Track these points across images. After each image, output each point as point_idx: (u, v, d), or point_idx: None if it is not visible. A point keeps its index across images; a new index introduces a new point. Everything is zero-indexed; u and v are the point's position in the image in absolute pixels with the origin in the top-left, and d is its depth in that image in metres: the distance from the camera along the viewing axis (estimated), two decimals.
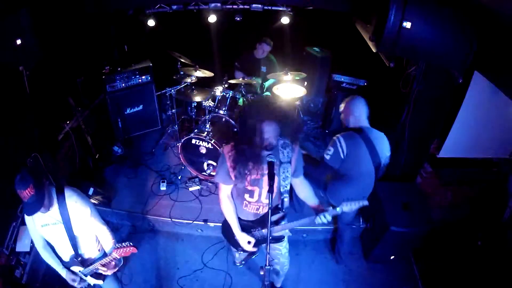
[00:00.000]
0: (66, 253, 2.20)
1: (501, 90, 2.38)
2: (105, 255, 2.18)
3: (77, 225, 2.09)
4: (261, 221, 2.27)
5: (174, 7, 3.92)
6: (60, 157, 3.59)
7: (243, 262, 3.32)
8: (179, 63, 4.19)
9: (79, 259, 2.20)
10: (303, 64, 4.93)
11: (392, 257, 3.34)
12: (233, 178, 2.07)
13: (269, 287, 2.08)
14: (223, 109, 3.93)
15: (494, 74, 2.42)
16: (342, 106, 2.78)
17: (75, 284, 2.26)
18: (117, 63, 4.38)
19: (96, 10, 3.35)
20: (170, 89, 4.12)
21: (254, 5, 3.89)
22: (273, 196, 1.90)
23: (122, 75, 4.27)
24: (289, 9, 4.03)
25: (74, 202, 2.05)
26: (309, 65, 4.89)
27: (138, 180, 4.06)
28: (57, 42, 2.98)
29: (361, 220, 3.54)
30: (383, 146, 2.63)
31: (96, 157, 4.10)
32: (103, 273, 2.21)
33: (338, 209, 2.05)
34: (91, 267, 2.21)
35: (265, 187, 2.11)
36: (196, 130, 3.79)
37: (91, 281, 2.32)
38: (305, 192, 2.27)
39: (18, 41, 2.40)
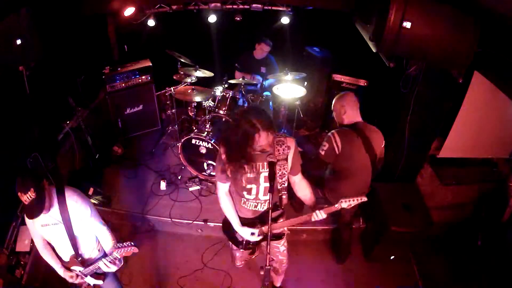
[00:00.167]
0: (66, 253, 2.20)
1: (501, 90, 2.38)
2: (105, 255, 2.18)
3: (77, 225, 2.09)
4: (260, 218, 2.27)
5: (174, 7, 3.92)
6: (60, 157, 3.59)
7: (243, 262, 3.32)
8: (179, 63, 4.19)
9: (79, 259, 2.20)
10: (303, 64, 4.93)
11: (392, 257, 3.34)
12: (230, 176, 2.08)
13: (269, 287, 2.09)
14: (223, 109, 3.93)
15: (494, 74, 2.43)
16: (333, 104, 2.78)
17: (73, 280, 2.26)
18: (117, 63, 4.38)
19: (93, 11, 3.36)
20: (170, 89, 4.12)
21: (254, 5, 3.90)
22: (274, 196, 1.89)
23: (122, 75, 4.27)
24: (289, 9, 4.03)
25: (75, 202, 2.05)
26: (309, 65, 4.89)
27: (138, 180, 4.06)
28: (57, 42, 2.97)
29: (361, 220, 3.55)
30: (378, 140, 2.64)
31: (96, 157, 4.09)
32: (105, 270, 2.20)
33: (337, 205, 2.05)
34: (91, 267, 2.21)
35: (262, 184, 2.11)
36: (196, 130, 3.79)
37: (91, 281, 2.31)
38: (304, 191, 2.27)
39: (18, 41, 2.40)
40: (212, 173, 3.86)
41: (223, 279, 3.21)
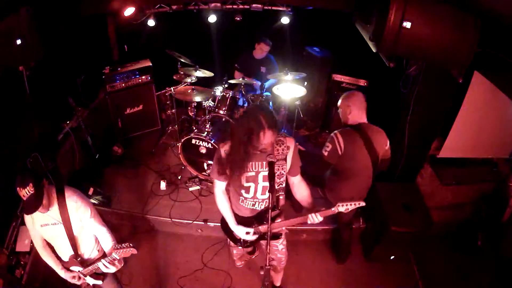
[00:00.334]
0: (66, 253, 2.20)
1: (501, 90, 2.38)
2: (104, 255, 2.18)
3: (76, 226, 2.09)
4: (258, 217, 2.28)
5: (174, 7, 3.92)
6: (60, 157, 3.59)
7: (243, 262, 3.32)
8: (179, 63, 4.19)
9: (79, 259, 2.20)
10: (303, 64, 4.93)
11: (392, 257, 3.34)
12: (228, 175, 2.08)
13: (269, 287, 2.09)
14: (223, 109, 3.93)
15: (494, 74, 2.42)
16: (339, 102, 2.77)
17: (75, 281, 2.26)
18: (117, 63, 4.38)
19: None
20: (170, 89, 4.12)
21: (254, 5, 3.89)
22: (274, 195, 1.89)
23: (122, 75, 4.27)
24: (289, 9, 4.03)
25: (74, 203, 2.05)
26: (309, 65, 4.89)
27: (138, 180, 4.05)
28: (57, 42, 2.97)
29: (361, 220, 3.55)
30: (381, 141, 2.64)
31: (96, 157, 4.09)
32: (105, 270, 2.20)
33: (333, 209, 2.05)
34: (90, 267, 2.21)
35: (261, 183, 2.11)
36: (196, 130, 3.79)
37: (91, 281, 2.31)
38: (302, 193, 2.26)
39: (18, 41, 2.40)
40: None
41: (223, 279, 3.21)
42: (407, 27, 2.27)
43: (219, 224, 2.51)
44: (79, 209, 2.07)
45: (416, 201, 3.25)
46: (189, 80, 4.03)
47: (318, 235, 3.60)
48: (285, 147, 2.06)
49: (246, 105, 4.11)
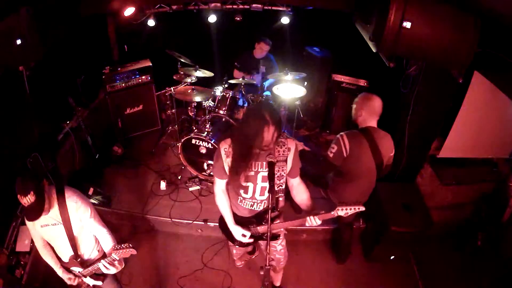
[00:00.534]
0: (66, 253, 2.20)
1: (501, 90, 2.38)
2: (104, 256, 2.18)
3: (76, 226, 2.09)
4: (256, 217, 2.27)
5: (174, 7, 3.92)
6: (60, 157, 3.59)
7: (243, 262, 3.32)
8: (179, 63, 4.19)
9: (79, 259, 2.20)
10: (303, 64, 4.93)
11: (392, 257, 3.34)
12: (228, 173, 2.08)
13: (269, 287, 2.09)
14: (223, 109, 3.93)
15: (494, 74, 2.42)
16: (356, 99, 2.73)
17: (71, 282, 2.26)
18: (117, 63, 4.38)
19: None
20: (170, 89, 4.12)
21: (254, 5, 3.89)
22: (273, 196, 1.89)
23: (122, 75, 4.27)
24: (289, 9, 4.03)
25: (74, 203, 2.05)
26: (309, 65, 4.89)
27: (138, 180, 4.05)
28: (57, 42, 2.97)
29: (361, 220, 3.55)
30: (387, 146, 2.63)
31: (96, 157, 4.09)
32: (105, 271, 2.20)
33: (333, 212, 2.05)
34: (90, 268, 2.21)
35: (259, 183, 2.11)
36: (196, 130, 3.79)
37: (91, 282, 2.31)
38: (301, 195, 2.25)
39: (18, 41, 2.40)
40: (212, 173, 3.86)
41: (223, 279, 3.21)
42: (407, 27, 2.27)
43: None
44: (79, 209, 2.06)
45: (416, 201, 3.25)
46: (189, 80, 4.03)
47: (318, 235, 3.60)
48: (286, 148, 2.06)
49: (246, 105, 4.11)
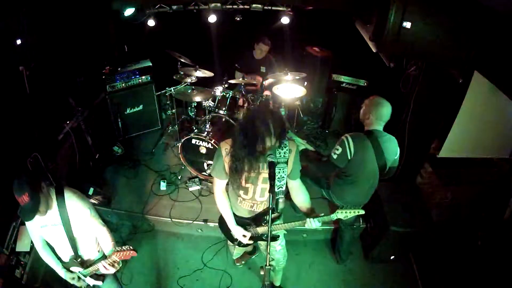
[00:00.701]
0: (66, 253, 2.20)
1: (501, 90, 2.38)
2: (104, 256, 2.18)
3: (76, 227, 2.09)
4: (256, 218, 2.28)
5: (174, 7, 3.92)
6: (60, 157, 3.59)
7: (243, 262, 3.32)
8: (179, 63, 4.19)
9: (79, 260, 2.20)
10: (303, 64, 4.93)
11: (392, 257, 3.34)
12: (228, 174, 2.07)
13: (269, 287, 2.09)
14: (223, 109, 3.93)
15: (494, 74, 2.42)
16: (366, 101, 2.70)
17: (75, 282, 2.26)
18: (117, 63, 4.38)
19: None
20: (170, 89, 4.13)
21: (254, 5, 3.89)
22: (274, 196, 1.89)
23: (122, 75, 4.28)
24: (289, 9, 4.02)
25: (74, 204, 2.05)
26: (309, 65, 4.89)
27: (138, 180, 4.06)
28: (57, 42, 2.97)
29: (361, 220, 3.55)
30: (391, 150, 2.61)
31: (96, 157, 4.09)
32: (104, 272, 2.20)
33: (333, 216, 2.05)
34: (90, 268, 2.21)
35: (260, 185, 2.10)
36: (196, 130, 3.79)
37: (91, 282, 2.31)
38: (301, 197, 2.25)
39: (18, 41, 2.40)
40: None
41: (223, 279, 3.21)
42: (407, 27, 2.28)
43: None
44: (79, 210, 2.06)
45: (416, 201, 3.25)
46: (189, 80, 4.03)
47: (318, 235, 3.60)
48: (287, 150, 2.05)
49: (246, 105, 4.11)
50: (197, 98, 3.94)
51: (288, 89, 4.12)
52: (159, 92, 4.43)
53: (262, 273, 1.97)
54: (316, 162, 2.87)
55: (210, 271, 3.28)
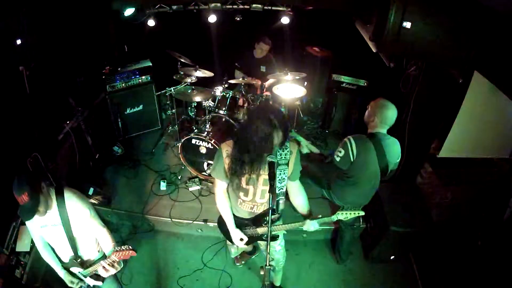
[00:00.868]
0: (66, 254, 2.20)
1: (501, 90, 2.38)
2: (104, 256, 2.18)
3: (76, 227, 2.09)
4: (255, 219, 2.27)
5: (174, 7, 3.92)
6: (60, 157, 3.59)
7: (243, 262, 3.32)
8: (179, 63, 4.19)
9: (79, 260, 2.20)
10: (303, 64, 4.93)
11: (392, 257, 3.34)
12: (229, 175, 2.06)
13: (269, 287, 2.09)
14: (223, 109, 3.93)
15: (494, 74, 2.42)
16: (372, 103, 2.69)
17: (74, 286, 2.26)
18: (117, 63, 4.38)
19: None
20: (170, 89, 4.13)
21: (254, 5, 3.89)
22: (274, 196, 1.88)
23: (122, 75, 4.28)
24: (289, 9, 4.02)
25: (74, 204, 2.05)
26: (309, 65, 4.89)
27: (138, 180, 4.06)
28: (57, 42, 2.97)
29: (361, 220, 3.54)
30: (393, 153, 2.61)
31: (96, 157, 4.10)
32: (104, 274, 2.20)
33: (333, 217, 2.04)
34: (90, 268, 2.21)
35: (260, 186, 2.10)
36: (196, 130, 3.79)
37: (91, 282, 2.31)
38: (300, 199, 2.25)
39: (18, 41, 2.40)
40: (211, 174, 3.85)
41: (223, 279, 3.21)
42: (407, 27, 2.28)
43: None
44: (79, 210, 2.06)
45: (416, 201, 3.25)
46: (189, 80, 4.04)
47: (318, 235, 3.60)
48: (288, 151, 2.05)
49: (246, 105, 4.11)
50: (197, 98, 3.94)
51: (288, 89, 4.12)
52: (159, 92, 4.43)
53: (262, 273, 1.97)
54: (319, 163, 2.88)
55: (210, 271, 3.28)
